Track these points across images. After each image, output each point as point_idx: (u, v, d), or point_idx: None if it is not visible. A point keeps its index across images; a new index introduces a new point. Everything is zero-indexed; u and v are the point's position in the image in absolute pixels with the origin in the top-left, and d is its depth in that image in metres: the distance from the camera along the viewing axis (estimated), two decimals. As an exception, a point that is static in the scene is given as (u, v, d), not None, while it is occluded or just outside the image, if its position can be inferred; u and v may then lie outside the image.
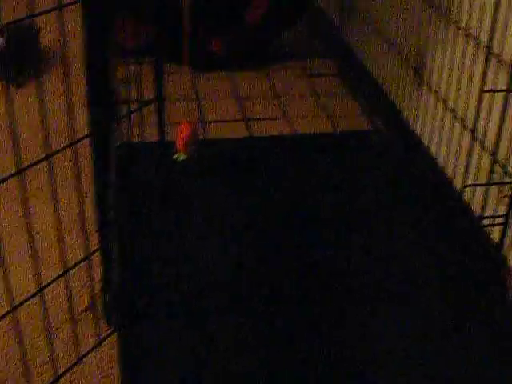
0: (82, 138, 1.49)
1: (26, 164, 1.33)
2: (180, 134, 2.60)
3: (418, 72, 2.65)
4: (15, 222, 2.27)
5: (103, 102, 1.56)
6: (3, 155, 2.61)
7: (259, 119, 3.03)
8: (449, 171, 2.38)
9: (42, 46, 3.50)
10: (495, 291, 2.09)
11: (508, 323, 1.98)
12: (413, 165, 2.67)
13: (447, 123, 2.38)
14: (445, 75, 2.41)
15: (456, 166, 2.29)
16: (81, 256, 2.12)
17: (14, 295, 1.93)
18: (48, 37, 3.61)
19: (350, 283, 2.08)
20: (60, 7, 1.30)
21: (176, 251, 2.13)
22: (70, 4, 1.33)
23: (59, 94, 2.92)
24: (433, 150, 2.52)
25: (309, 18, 4.04)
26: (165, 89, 3.16)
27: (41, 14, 1.29)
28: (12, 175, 1.32)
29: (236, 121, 3.01)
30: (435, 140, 2.49)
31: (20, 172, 1.33)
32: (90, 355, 1.80)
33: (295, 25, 3.60)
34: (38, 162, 1.40)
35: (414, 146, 2.69)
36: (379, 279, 2.10)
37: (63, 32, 2.68)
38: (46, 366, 1.75)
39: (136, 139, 2.54)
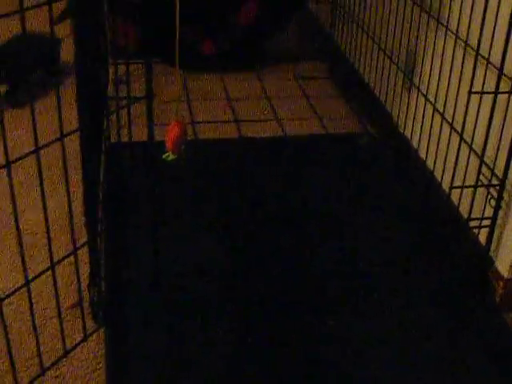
0: (71, 133, 1.49)
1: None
2: (169, 134, 2.59)
3: (408, 74, 2.66)
4: (2, 218, 2.27)
5: (92, 98, 1.57)
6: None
7: (250, 121, 3.04)
8: (437, 174, 2.39)
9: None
10: (482, 293, 2.10)
11: (495, 324, 1.99)
12: (402, 167, 2.67)
13: (436, 125, 2.38)
14: (434, 78, 2.42)
15: (445, 168, 2.30)
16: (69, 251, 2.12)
17: (0, 291, 1.93)
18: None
19: (337, 286, 2.08)
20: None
21: (165, 249, 2.13)
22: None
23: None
24: (422, 151, 2.53)
25: (300, 21, 4.05)
26: (155, 90, 3.16)
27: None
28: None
29: (226, 122, 3.02)
30: (424, 142, 2.50)
31: (8, 164, 1.33)
32: (76, 350, 1.80)
33: (287, 26, 3.61)
34: (27, 154, 1.40)
35: (403, 148, 2.70)
36: (364, 281, 2.11)
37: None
38: (31, 361, 1.74)
39: (126, 139, 2.55)
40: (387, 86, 2.87)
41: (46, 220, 1.50)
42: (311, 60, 3.70)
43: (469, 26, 2.13)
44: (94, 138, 1.77)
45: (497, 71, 1.95)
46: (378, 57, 2.97)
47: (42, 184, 1.45)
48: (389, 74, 2.84)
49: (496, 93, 1.94)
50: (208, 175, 2.58)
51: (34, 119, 1.37)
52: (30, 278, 1.50)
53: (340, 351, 1.83)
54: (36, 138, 1.40)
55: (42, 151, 1.43)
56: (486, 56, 2.02)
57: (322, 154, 2.78)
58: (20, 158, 1.37)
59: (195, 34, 3.38)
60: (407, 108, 2.67)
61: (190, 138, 2.78)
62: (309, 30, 4.07)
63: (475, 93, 1.96)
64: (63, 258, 1.58)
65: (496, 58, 1.97)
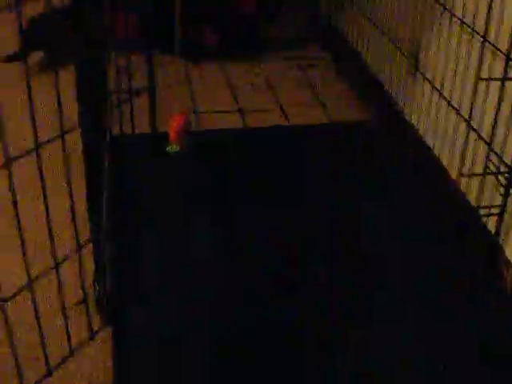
0: (71, 130, 1.47)
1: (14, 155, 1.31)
2: (173, 125, 2.58)
3: (413, 60, 2.63)
4: (4, 216, 2.25)
5: (93, 94, 1.54)
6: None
7: (253, 110, 3.01)
8: (445, 161, 2.37)
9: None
10: (492, 281, 2.08)
11: (504, 312, 1.97)
12: (408, 154, 2.65)
13: (442, 112, 2.36)
14: (440, 63, 2.39)
15: (452, 156, 2.27)
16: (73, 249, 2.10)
17: (4, 290, 1.91)
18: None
19: (344, 281, 2.07)
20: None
21: (169, 244, 2.12)
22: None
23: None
24: (428, 139, 2.50)
25: (303, 8, 4.02)
26: (157, 80, 3.15)
27: None
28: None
29: (229, 111, 2.99)
30: (431, 129, 2.47)
31: (8, 163, 1.30)
32: (83, 349, 1.78)
33: (288, 12, 3.58)
34: (28, 152, 1.38)
35: (409, 136, 2.68)
36: (375, 270, 2.09)
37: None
38: (38, 361, 1.73)
39: (128, 131, 2.53)
40: (392, 72, 2.85)
41: (48, 218, 1.47)
42: (314, 47, 3.67)
43: (475, 11, 2.10)
44: (96, 132, 1.74)
45: (504, 57, 1.92)
46: (381, 42, 2.93)
47: (43, 181, 1.43)
48: (393, 59, 2.81)
49: (504, 79, 1.91)
50: (211, 166, 2.55)
51: (33, 116, 1.35)
52: (33, 277, 1.48)
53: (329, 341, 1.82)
54: (36, 135, 1.37)
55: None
56: (493, 42, 1.99)
57: (327, 142, 2.76)
58: (20, 156, 1.35)
59: (196, 24, 3.36)
60: (413, 95, 2.64)
61: (193, 129, 2.76)
62: (312, 16, 4.04)
63: (483, 79, 1.94)
64: (67, 257, 1.56)
65: (503, 43, 1.94)
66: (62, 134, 1.41)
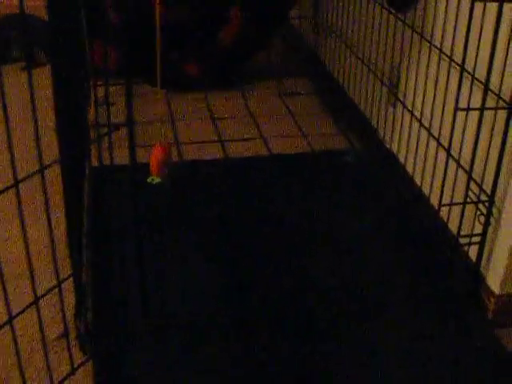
0: (50, 164, 1.46)
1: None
2: (154, 157, 2.57)
3: (392, 90, 2.65)
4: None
5: (72, 128, 1.54)
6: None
7: (234, 140, 3.01)
8: (425, 189, 2.37)
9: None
10: (474, 310, 2.08)
11: (486, 341, 1.97)
12: (388, 183, 2.66)
13: (422, 141, 2.37)
14: (419, 93, 2.41)
15: (432, 184, 2.28)
16: (53, 282, 2.08)
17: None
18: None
19: (329, 309, 2.06)
20: None
21: (150, 275, 2.10)
22: None
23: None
24: (409, 167, 2.51)
25: (283, 38, 4.05)
26: (139, 110, 3.15)
27: None
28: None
29: (211, 142, 2.99)
30: (411, 158, 2.48)
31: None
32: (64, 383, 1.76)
33: (269, 43, 3.59)
34: (6, 189, 1.37)
35: (389, 165, 2.68)
36: (356, 297, 2.08)
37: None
38: (18, 397, 1.71)
39: (107, 163, 2.51)
40: (372, 101, 2.86)
41: (27, 251, 1.46)
42: (295, 76, 3.69)
43: (453, 41, 2.11)
44: (76, 165, 1.74)
45: (482, 86, 1.93)
46: (362, 72, 2.95)
47: (21, 216, 1.42)
48: (373, 89, 2.83)
49: (482, 109, 1.92)
50: (192, 197, 2.55)
51: (11, 148, 1.34)
52: (13, 312, 1.47)
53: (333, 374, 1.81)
54: (15, 171, 1.36)
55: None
56: (471, 71, 2.00)
57: (309, 171, 2.76)
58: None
59: (177, 55, 3.36)
60: (393, 123, 2.65)
61: (175, 160, 2.75)
62: (292, 46, 4.07)
63: (462, 109, 1.94)
64: (47, 292, 1.54)
65: (481, 72, 1.96)
66: (42, 170, 1.40)
